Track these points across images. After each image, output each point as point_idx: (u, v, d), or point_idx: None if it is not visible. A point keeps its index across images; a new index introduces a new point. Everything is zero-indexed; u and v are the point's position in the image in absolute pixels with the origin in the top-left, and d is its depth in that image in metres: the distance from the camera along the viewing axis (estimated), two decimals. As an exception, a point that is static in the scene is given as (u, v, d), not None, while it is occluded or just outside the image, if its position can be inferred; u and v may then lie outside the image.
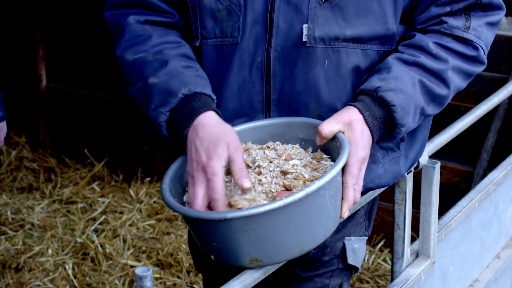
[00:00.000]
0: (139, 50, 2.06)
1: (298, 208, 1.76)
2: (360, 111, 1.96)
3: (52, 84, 5.78)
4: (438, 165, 2.46)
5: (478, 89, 4.14)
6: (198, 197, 1.81)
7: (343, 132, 1.93)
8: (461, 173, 4.32)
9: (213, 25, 2.08)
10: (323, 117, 2.05)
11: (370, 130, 1.96)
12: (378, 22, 2.03)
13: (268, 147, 2.01)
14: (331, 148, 1.97)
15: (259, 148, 2.01)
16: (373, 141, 1.98)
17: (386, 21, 2.04)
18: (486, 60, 2.12)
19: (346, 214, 1.88)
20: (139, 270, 1.54)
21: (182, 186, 1.98)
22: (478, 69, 2.12)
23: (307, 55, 2.03)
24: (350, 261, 2.26)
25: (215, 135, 1.86)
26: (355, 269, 2.32)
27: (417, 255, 2.56)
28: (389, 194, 2.45)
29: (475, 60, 2.09)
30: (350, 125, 1.94)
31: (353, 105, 1.98)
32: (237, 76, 2.07)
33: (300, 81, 2.05)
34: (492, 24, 2.10)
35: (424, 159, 2.45)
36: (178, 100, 1.96)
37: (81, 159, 5.62)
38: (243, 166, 1.83)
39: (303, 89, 2.05)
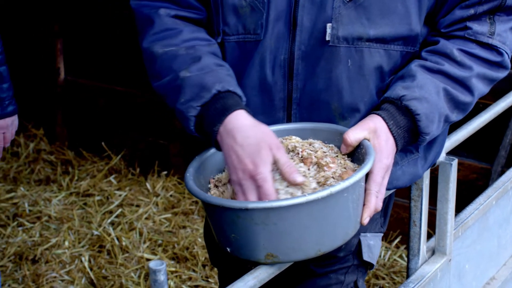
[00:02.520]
0: (169, 43, 2.04)
1: (320, 207, 1.77)
2: (384, 120, 1.96)
3: (70, 77, 5.79)
4: (455, 162, 2.45)
5: (496, 86, 4.10)
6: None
7: (368, 140, 1.93)
8: (479, 170, 4.30)
9: (235, 21, 2.07)
10: (344, 116, 2.05)
11: (395, 138, 1.97)
12: (402, 23, 2.02)
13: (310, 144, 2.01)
14: (354, 155, 1.97)
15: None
16: (397, 149, 1.99)
17: (410, 21, 2.03)
18: (510, 65, 2.11)
19: (366, 220, 1.89)
20: (153, 264, 1.54)
21: (205, 179, 1.98)
22: (502, 74, 2.12)
23: (330, 54, 2.03)
24: (366, 257, 2.25)
25: (255, 139, 1.84)
26: (370, 265, 2.31)
27: (433, 252, 2.55)
28: (406, 191, 2.44)
29: (499, 65, 2.09)
30: (375, 133, 1.94)
31: (378, 114, 1.98)
32: (259, 73, 2.07)
33: (323, 80, 2.04)
34: None
35: (441, 156, 2.44)
36: (211, 95, 1.93)
37: (98, 152, 5.63)
38: (289, 162, 1.83)
39: (325, 88, 2.04)
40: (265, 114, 2.07)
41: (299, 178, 1.81)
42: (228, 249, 1.87)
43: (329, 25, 2.00)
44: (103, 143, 5.58)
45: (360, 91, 2.05)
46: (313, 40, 2.03)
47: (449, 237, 2.51)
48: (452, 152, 4.20)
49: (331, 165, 1.91)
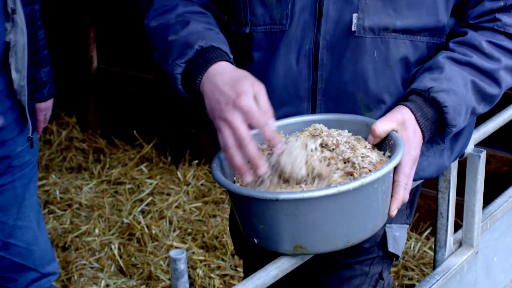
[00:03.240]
0: (164, 17, 2.10)
1: (351, 198, 1.75)
2: (412, 112, 1.96)
3: (102, 65, 5.81)
4: (483, 154, 2.43)
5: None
6: (243, 130, 1.76)
7: (396, 131, 1.92)
8: (511, 162, 4.26)
9: (263, 12, 2.08)
10: (370, 107, 2.04)
11: (422, 130, 1.96)
12: (429, 14, 2.01)
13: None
14: (381, 147, 1.96)
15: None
16: (423, 141, 1.98)
17: (437, 12, 2.01)
18: None
19: (394, 212, 1.88)
20: (173, 253, 1.54)
21: (231, 169, 1.96)
22: None
23: (356, 44, 2.02)
24: (391, 248, 2.24)
25: (236, 75, 1.85)
26: (396, 257, 2.29)
27: (460, 244, 2.53)
28: (436, 182, 2.43)
29: None
30: (404, 124, 1.93)
31: (405, 105, 1.97)
32: (284, 63, 2.06)
33: (348, 71, 2.03)
34: None
35: (469, 148, 2.41)
36: (194, 51, 1.96)
37: (130, 140, 5.65)
38: (268, 103, 1.81)
39: (350, 79, 2.03)
40: (290, 105, 2.06)
41: (271, 124, 1.78)
42: (256, 241, 1.86)
43: (355, 15, 1.99)
44: (134, 132, 5.60)
45: (386, 82, 2.03)
46: (339, 30, 2.02)
47: (476, 229, 2.49)
48: (484, 144, 4.15)
49: (366, 152, 1.90)
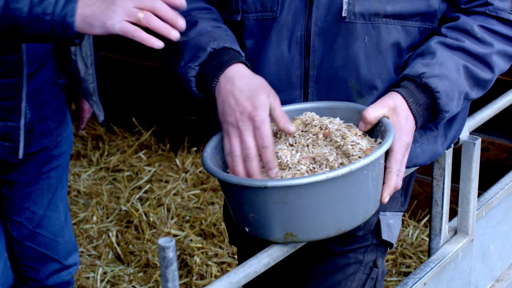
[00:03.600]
0: None
1: (340, 185, 1.75)
2: (404, 98, 1.95)
3: (102, 52, 5.79)
4: (478, 141, 2.41)
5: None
6: (250, 146, 1.83)
7: (387, 118, 1.91)
8: (509, 150, 4.24)
9: None
10: (362, 93, 2.03)
11: (414, 116, 1.95)
12: None
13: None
14: (373, 133, 1.95)
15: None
16: (416, 127, 1.97)
17: None
18: None
19: (386, 199, 1.88)
20: (162, 241, 1.53)
21: (222, 159, 1.97)
22: None
23: (346, 30, 2.00)
24: (385, 236, 2.23)
25: (254, 85, 1.88)
26: (390, 245, 2.28)
27: (455, 232, 2.52)
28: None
29: None
30: (395, 111, 1.93)
31: (397, 91, 1.96)
32: (276, 50, 2.05)
33: (340, 57, 2.02)
34: None
35: (464, 135, 2.40)
36: (207, 54, 1.97)
37: (129, 127, 5.64)
38: (284, 113, 1.87)
39: (342, 65, 2.02)
40: (282, 92, 2.05)
41: (291, 128, 1.87)
42: (247, 229, 1.86)
43: (345, 1, 1.98)
44: (133, 119, 5.59)
45: (378, 68, 2.02)
46: (330, 16, 2.00)
47: (471, 217, 2.48)
48: (483, 131, 4.15)
49: (356, 140, 1.89)
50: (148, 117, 5.58)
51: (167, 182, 4.94)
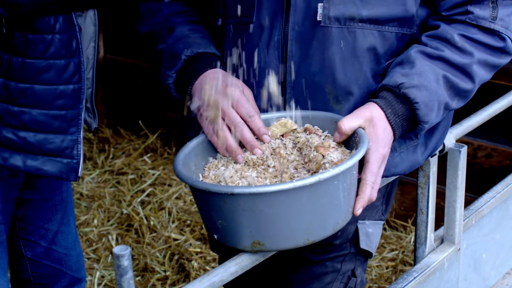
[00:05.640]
0: (151, 22, 2.17)
1: (309, 194, 1.73)
2: (382, 108, 1.92)
3: (109, 55, 5.79)
4: (464, 149, 2.37)
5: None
6: (235, 117, 1.89)
7: (363, 128, 1.89)
8: (512, 156, 4.20)
9: (233, 3, 2.06)
10: (339, 99, 2.01)
11: (392, 127, 1.92)
12: (397, 3, 1.97)
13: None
14: (349, 145, 1.92)
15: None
16: (394, 138, 1.94)
17: (405, 2, 1.98)
18: None
19: (359, 211, 1.85)
20: (117, 249, 1.50)
21: (196, 165, 1.96)
22: (505, 60, 2.05)
23: (322, 35, 1.98)
24: (363, 245, 2.19)
25: (227, 82, 1.93)
26: (369, 254, 2.24)
27: (442, 241, 2.47)
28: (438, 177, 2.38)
29: (501, 51, 2.02)
30: (372, 122, 1.90)
31: (375, 102, 1.93)
32: (253, 56, 2.04)
33: (316, 62, 2.00)
34: None
35: (450, 142, 2.37)
36: (182, 62, 2.04)
37: (135, 130, 5.63)
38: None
39: (318, 70, 2.00)
40: (261, 99, 2.02)
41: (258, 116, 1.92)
42: (216, 236, 1.84)
43: (320, 5, 1.96)
44: (140, 122, 5.58)
45: (354, 73, 1.99)
46: (307, 21, 1.98)
47: (457, 225, 2.44)
48: (488, 137, 4.10)
49: (327, 151, 1.87)
50: (154, 121, 5.56)
51: (170, 185, 4.92)
